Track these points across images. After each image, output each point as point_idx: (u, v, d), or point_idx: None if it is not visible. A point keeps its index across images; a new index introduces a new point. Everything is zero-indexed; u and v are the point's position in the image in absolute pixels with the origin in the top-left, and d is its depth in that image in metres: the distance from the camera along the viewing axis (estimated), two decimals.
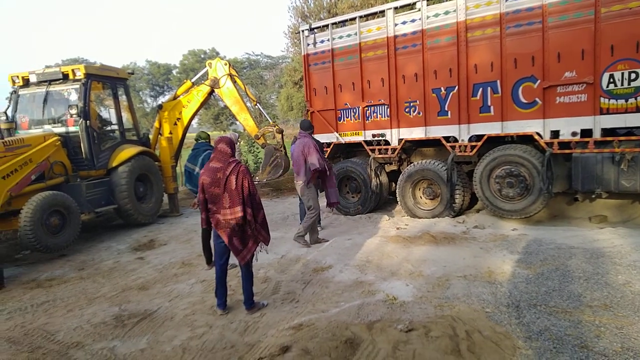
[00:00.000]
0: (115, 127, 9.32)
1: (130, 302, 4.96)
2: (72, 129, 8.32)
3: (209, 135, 7.21)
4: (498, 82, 6.79)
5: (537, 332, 3.44)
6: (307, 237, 6.70)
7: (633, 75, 5.80)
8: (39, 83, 8.46)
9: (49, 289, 5.64)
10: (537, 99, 6.52)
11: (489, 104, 6.93)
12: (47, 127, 8.53)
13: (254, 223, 4.27)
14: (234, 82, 9.74)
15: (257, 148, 14.44)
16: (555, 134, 6.47)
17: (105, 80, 9.08)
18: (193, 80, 10.31)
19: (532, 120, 6.60)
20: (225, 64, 9.81)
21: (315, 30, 8.76)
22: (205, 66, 10.04)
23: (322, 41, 8.62)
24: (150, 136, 10.69)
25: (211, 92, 10.00)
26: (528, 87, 6.58)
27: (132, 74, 10.54)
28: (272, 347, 3.54)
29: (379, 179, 8.37)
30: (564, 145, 6.41)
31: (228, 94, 9.83)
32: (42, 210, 6.74)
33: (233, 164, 4.21)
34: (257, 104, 10.52)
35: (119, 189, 8.55)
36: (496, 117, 6.88)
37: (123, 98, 9.67)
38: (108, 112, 9.75)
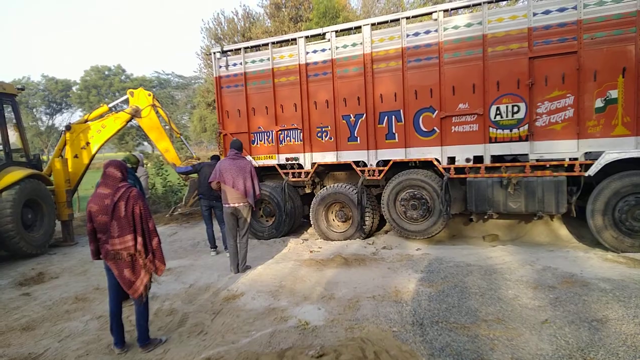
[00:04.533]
0: (0, 147, 8.34)
1: (10, 346, 4.36)
2: None
3: (138, 160, 6.88)
4: (401, 111, 7.26)
5: (439, 349, 3.62)
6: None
7: (515, 109, 6.54)
8: None
9: None
10: (435, 128, 7.06)
11: (394, 131, 7.36)
12: None
13: (145, 252, 3.95)
14: (157, 112, 9.69)
15: (166, 170, 13.85)
16: (451, 160, 7.04)
17: None
18: (110, 105, 10.01)
19: (431, 147, 7.12)
20: (149, 95, 9.82)
21: (228, 53, 8.71)
22: (126, 94, 9.90)
23: (234, 64, 8.58)
24: (45, 157, 9.82)
25: (129, 120, 9.76)
26: (427, 116, 7.11)
27: (23, 89, 9.61)
28: None
29: (293, 202, 8.42)
30: (460, 170, 6.99)
31: (150, 124, 9.79)
32: None
33: (123, 189, 3.89)
34: (181, 136, 10.56)
35: (2, 216, 7.59)
36: (400, 144, 7.32)
37: (11, 116, 8.74)
38: None
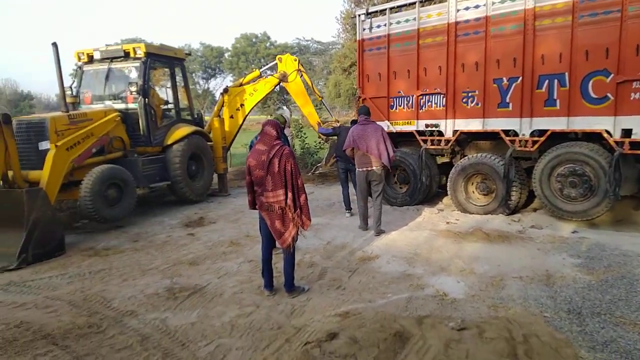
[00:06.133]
0: (172, 106, 9.57)
1: (181, 276, 5.10)
2: (131, 105, 8.61)
3: (285, 120, 7.35)
4: (566, 74, 6.36)
5: (602, 343, 3.22)
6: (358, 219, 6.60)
7: None
8: (102, 60, 8.78)
9: (106, 258, 5.91)
10: (608, 95, 6.06)
11: (555, 97, 6.52)
12: (107, 102, 8.89)
13: (294, 207, 4.22)
14: (302, 77, 10.30)
15: (305, 133, 14.49)
16: (627, 132, 6.00)
17: (164, 59, 9.31)
18: (261, 70, 10.88)
19: (601, 117, 6.15)
20: (295, 60, 10.41)
21: (372, 14, 8.55)
22: (275, 60, 10.65)
23: (378, 26, 8.40)
24: (207, 117, 11.07)
25: (277, 84, 10.53)
26: (599, 81, 6.12)
27: (189, 54, 10.82)
28: (319, 333, 3.52)
29: (430, 171, 8.13)
30: (636, 145, 5.93)
31: (296, 88, 10.46)
32: (101, 183, 7.05)
33: (277, 146, 4.19)
34: (322, 100, 11.01)
35: (172, 166, 8.80)
36: (562, 112, 6.47)
37: (179, 78, 9.92)
38: (165, 91, 10.04)
